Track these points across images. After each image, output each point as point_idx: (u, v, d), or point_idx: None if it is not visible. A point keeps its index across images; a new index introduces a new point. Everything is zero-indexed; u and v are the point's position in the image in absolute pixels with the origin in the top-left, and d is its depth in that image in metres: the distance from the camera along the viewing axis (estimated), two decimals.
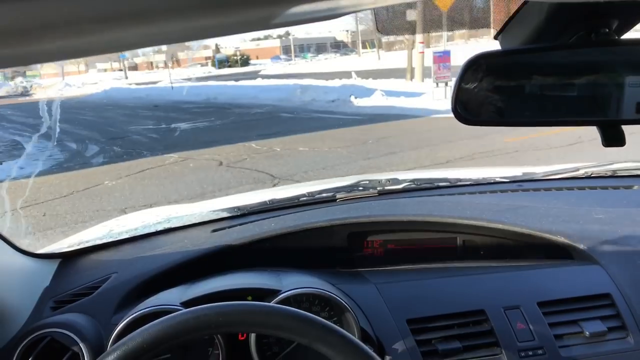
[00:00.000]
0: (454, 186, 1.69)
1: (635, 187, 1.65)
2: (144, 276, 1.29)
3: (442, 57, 12.01)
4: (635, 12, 0.69)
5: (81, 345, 1.12)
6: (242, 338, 1.18)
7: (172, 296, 1.18)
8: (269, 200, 1.64)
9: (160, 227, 1.55)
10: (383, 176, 1.81)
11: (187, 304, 1.12)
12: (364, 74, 20.44)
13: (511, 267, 1.34)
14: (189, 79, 28.05)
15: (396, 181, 1.70)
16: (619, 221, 1.41)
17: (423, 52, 15.78)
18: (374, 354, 0.84)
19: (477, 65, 0.76)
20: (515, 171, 1.87)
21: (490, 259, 1.40)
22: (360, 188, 1.67)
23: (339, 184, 1.75)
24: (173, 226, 1.54)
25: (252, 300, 1.15)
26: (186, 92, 19.37)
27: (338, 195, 1.59)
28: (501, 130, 7.97)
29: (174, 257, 1.33)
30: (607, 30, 0.70)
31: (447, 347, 1.13)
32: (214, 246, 1.35)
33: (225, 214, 1.59)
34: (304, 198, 1.62)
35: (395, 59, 28.63)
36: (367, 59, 38.05)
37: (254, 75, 28.11)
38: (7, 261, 1.27)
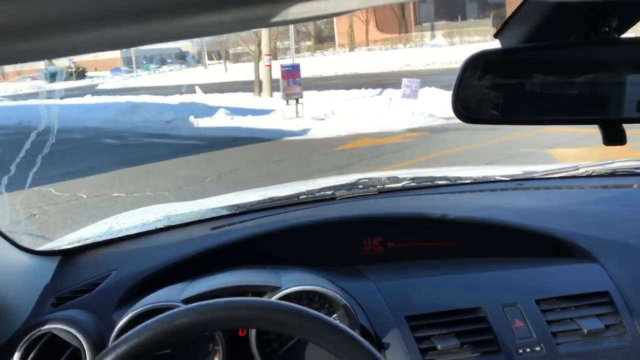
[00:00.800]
0: (454, 184, 1.70)
1: (636, 186, 1.66)
2: (144, 273, 1.30)
3: (291, 72, 10.92)
4: (635, 11, 0.70)
5: (82, 341, 1.12)
6: (243, 334, 1.18)
7: (172, 293, 1.19)
8: (269, 198, 1.64)
9: (160, 225, 1.55)
10: (383, 174, 1.82)
11: (187, 300, 1.13)
12: (210, 88, 19.30)
13: (510, 265, 1.35)
14: (10, 96, 24.84)
15: (396, 179, 1.70)
16: (619, 220, 1.43)
17: (270, 65, 14.46)
18: (375, 350, 0.85)
19: (477, 64, 0.76)
20: (515, 170, 1.88)
21: (489, 257, 1.41)
22: (360, 186, 1.67)
23: (339, 182, 1.75)
24: (173, 224, 1.54)
25: (252, 297, 1.16)
26: None
27: (338, 194, 1.59)
28: (365, 156, 7.21)
29: (174, 254, 1.34)
30: (607, 29, 0.70)
31: (446, 344, 1.14)
32: (213, 243, 1.36)
33: (225, 212, 1.59)
34: (304, 196, 1.62)
35: (243, 71, 26.78)
36: (214, 71, 35.66)
37: (89, 90, 25.08)
38: (7, 258, 1.27)
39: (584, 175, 1.73)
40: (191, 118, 12.17)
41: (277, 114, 11.55)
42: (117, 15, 0.31)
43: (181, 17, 0.33)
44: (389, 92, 13.40)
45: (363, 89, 14.96)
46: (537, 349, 1.15)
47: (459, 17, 37.73)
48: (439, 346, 1.14)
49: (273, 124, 10.97)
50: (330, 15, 0.41)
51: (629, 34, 0.74)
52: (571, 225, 1.38)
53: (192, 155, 8.45)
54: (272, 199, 1.62)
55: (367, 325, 1.16)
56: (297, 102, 11.08)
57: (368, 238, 1.43)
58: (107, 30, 0.33)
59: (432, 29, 37.56)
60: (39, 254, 1.38)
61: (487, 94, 0.78)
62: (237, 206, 1.61)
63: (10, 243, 1.29)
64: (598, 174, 1.73)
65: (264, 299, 1.08)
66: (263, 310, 0.85)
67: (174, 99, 15.26)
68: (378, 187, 1.63)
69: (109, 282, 1.29)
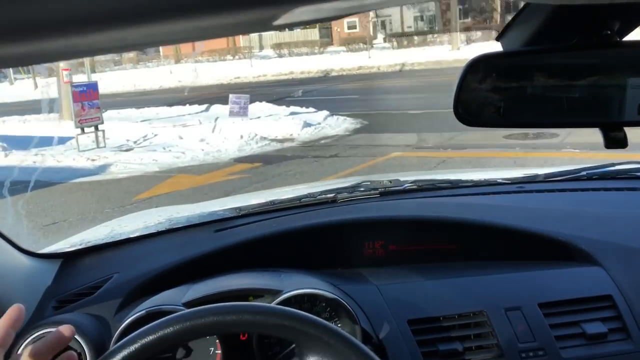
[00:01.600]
0: (456, 187, 1.69)
1: (638, 189, 1.65)
2: (145, 276, 1.30)
3: (86, 92, 8.81)
4: (637, 14, 0.70)
5: (83, 344, 1.12)
6: (244, 338, 1.18)
7: (173, 296, 1.19)
8: (271, 201, 1.65)
9: (162, 228, 1.55)
10: (384, 177, 1.82)
11: (188, 304, 1.13)
12: (10, 108, 16.38)
13: (512, 268, 1.34)
14: None
15: (398, 182, 1.70)
16: (621, 223, 1.43)
17: (69, 82, 10.96)
18: (374, 355, 0.85)
19: (479, 66, 0.76)
20: (517, 173, 1.88)
21: (491, 260, 1.41)
22: (362, 189, 1.67)
23: (341, 185, 1.75)
24: (175, 226, 1.54)
25: (254, 300, 1.17)
26: None
27: (339, 196, 1.60)
28: (174, 201, 5.54)
29: (176, 257, 1.34)
30: (609, 32, 0.70)
31: (448, 347, 1.14)
32: (215, 246, 1.36)
33: (227, 215, 1.59)
34: (306, 199, 1.62)
35: (55, 87, 25.49)
36: (22, 87, 30.72)
37: None
38: (9, 261, 1.28)
39: (585, 178, 1.74)
40: None
41: (73, 144, 9.26)
42: (117, 17, 0.30)
43: (183, 19, 0.32)
44: (215, 109, 11.98)
45: (188, 105, 13.67)
46: (540, 353, 1.15)
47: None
48: (441, 350, 1.14)
49: (63, 159, 8.56)
50: (332, 19, 0.41)
51: (631, 36, 0.74)
52: (573, 228, 1.38)
53: None
54: (274, 202, 1.63)
55: (369, 328, 1.16)
56: (96, 129, 9.08)
57: (370, 241, 1.44)
58: (107, 33, 0.32)
59: (260, 38, 38.07)
60: (41, 256, 1.38)
61: (489, 97, 0.78)
62: (240, 209, 1.61)
63: (12, 246, 1.29)
64: (599, 176, 1.75)
65: (263, 303, 1.09)
66: (261, 314, 0.85)
67: None
68: (379, 190, 1.63)
69: (110, 285, 1.29)
